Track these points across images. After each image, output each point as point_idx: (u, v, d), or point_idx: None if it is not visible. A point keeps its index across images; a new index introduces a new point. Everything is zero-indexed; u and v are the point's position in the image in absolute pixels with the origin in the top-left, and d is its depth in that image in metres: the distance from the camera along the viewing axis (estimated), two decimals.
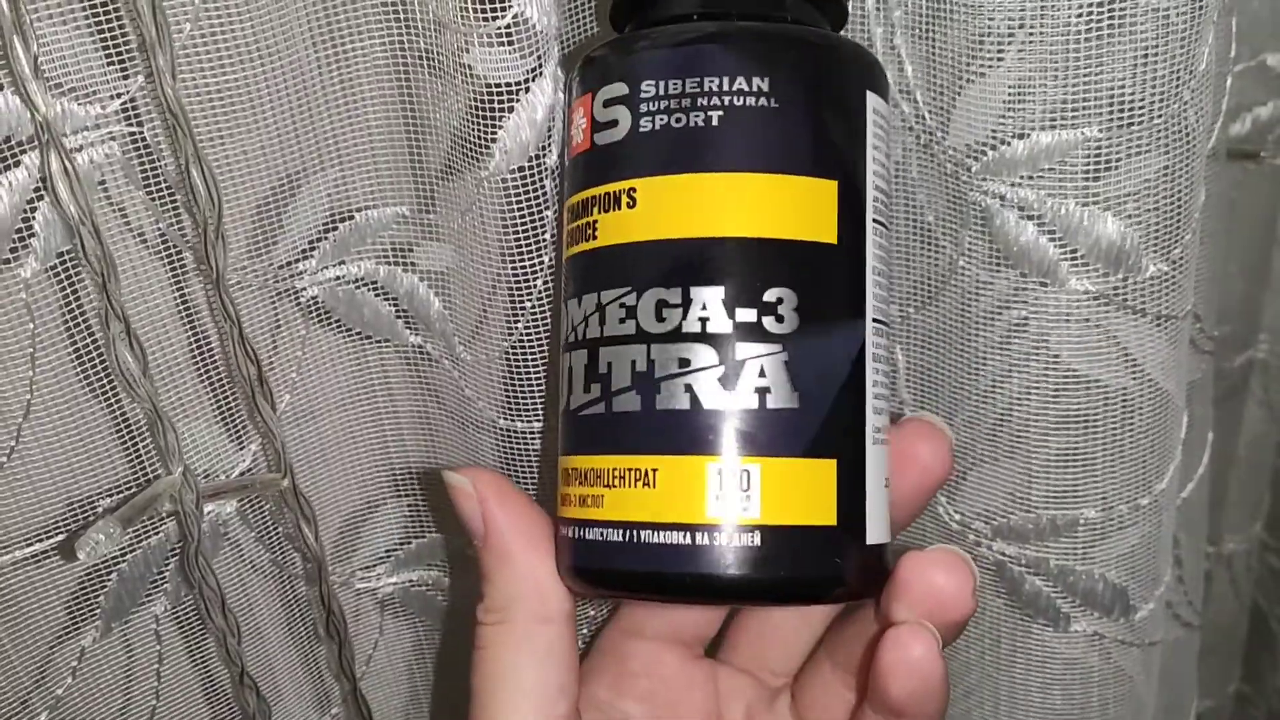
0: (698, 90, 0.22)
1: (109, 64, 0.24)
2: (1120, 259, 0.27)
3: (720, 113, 0.22)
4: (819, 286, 0.23)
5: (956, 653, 0.34)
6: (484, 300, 0.28)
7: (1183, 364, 0.29)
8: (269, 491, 0.29)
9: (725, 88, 0.22)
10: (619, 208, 0.23)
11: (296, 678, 0.33)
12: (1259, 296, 0.45)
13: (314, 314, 0.29)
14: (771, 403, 0.22)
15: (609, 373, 0.23)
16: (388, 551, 0.34)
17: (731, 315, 0.22)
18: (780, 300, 0.22)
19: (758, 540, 0.22)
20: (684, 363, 0.22)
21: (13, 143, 0.24)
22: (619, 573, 0.23)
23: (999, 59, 0.26)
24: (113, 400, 0.27)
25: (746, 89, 0.22)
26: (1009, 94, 0.26)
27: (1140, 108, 0.26)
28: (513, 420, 0.29)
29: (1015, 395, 0.30)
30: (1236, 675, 0.53)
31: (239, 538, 0.31)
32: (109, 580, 0.29)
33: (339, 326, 0.30)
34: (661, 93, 0.23)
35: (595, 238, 0.23)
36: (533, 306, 0.28)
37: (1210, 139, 0.30)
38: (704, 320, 0.22)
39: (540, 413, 0.29)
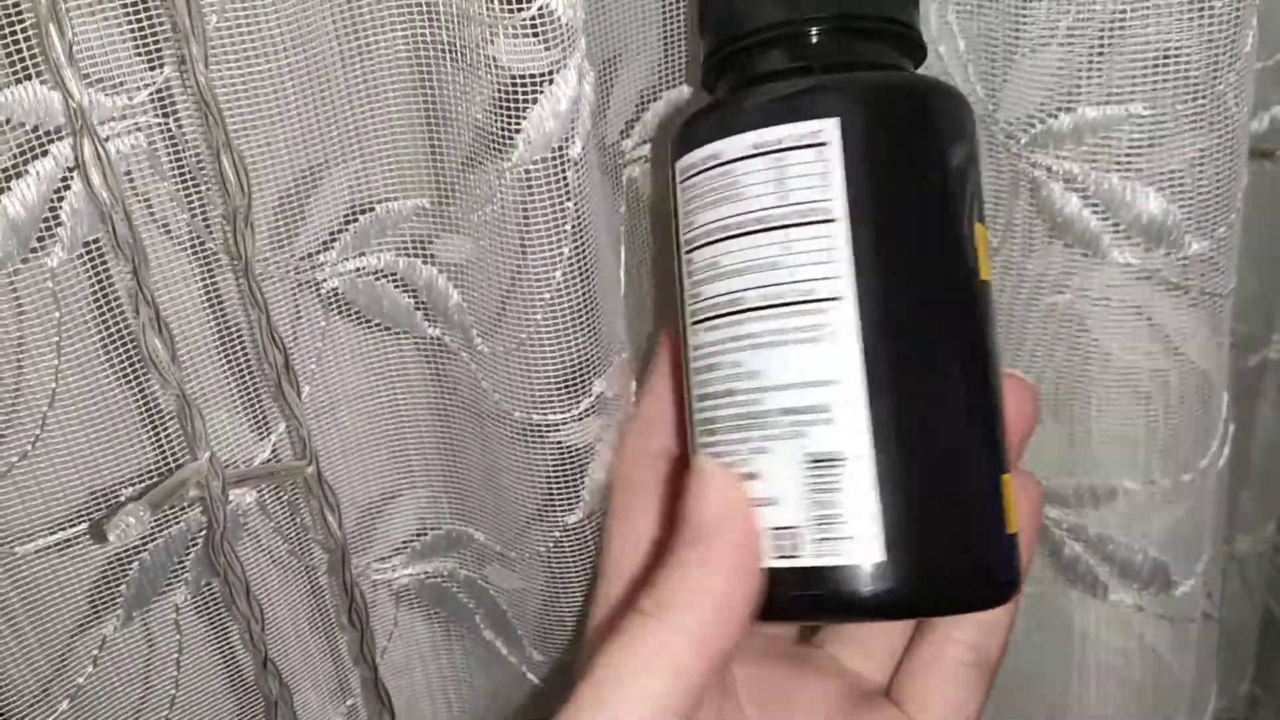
0: None
1: (137, 55, 0.24)
2: (1162, 234, 0.28)
3: None
4: None
5: None
6: (503, 292, 0.28)
7: (1225, 343, 0.30)
8: (294, 478, 0.30)
9: None
10: None
11: (313, 667, 0.34)
12: (1273, 297, 0.45)
13: (334, 305, 0.30)
14: None
15: None
16: (404, 543, 0.34)
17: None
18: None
19: None
20: None
21: (40, 132, 0.24)
22: None
23: (1050, 35, 0.27)
24: (137, 389, 0.27)
25: None
26: (1058, 69, 0.27)
27: (1185, 88, 0.26)
28: (528, 412, 0.30)
29: (1061, 366, 0.30)
30: (1248, 676, 0.53)
31: (258, 528, 0.31)
32: (130, 569, 0.29)
33: (359, 318, 0.30)
34: None
35: None
36: (551, 298, 0.28)
37: (1251, 126, 0.31)
38: None
39: (555, 405, 0.29)
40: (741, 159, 0.25)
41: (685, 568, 0.23)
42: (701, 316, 0.26)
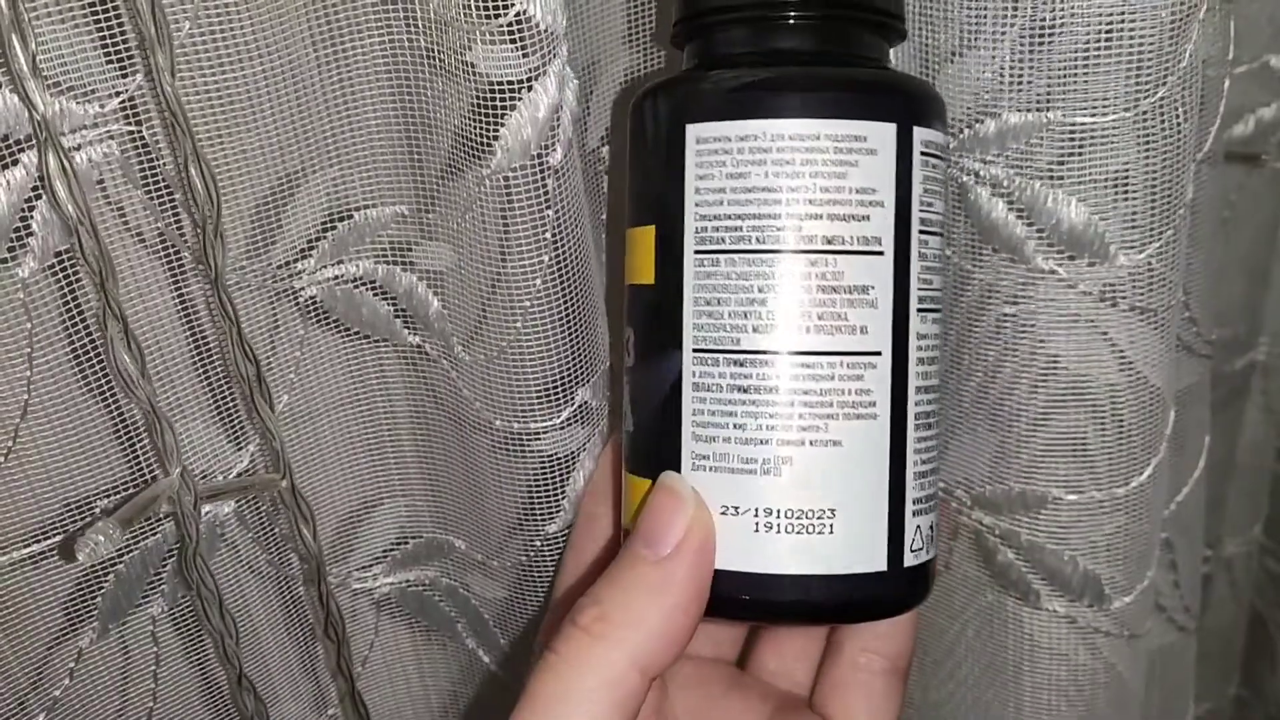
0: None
1: (108, 62, 0.24)
2: (1084, 244, 0.28)
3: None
4: (645, 323, 0.26)
5: (939, 620, 0.35)
6: (483, 299, 0.28)
7: (1169, 359, 0.30)
8: (267, 492, 0.29)
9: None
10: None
11: (293, 679, 0.33)
12: (1260, 299, 0.45)
13: (312, 314, 0.29)
14: (625, 425, 0.27)
15: None
16: (384, 552, 0.34)
17: (626, 352, 0.26)
18: (628, 338, 0.26)
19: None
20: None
21: (10, 141, 0.24)
22: None
23: (974, 40, 0.27)
24: (110, 400, 0.27)
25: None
26: (984, 74, 0.27)
27: (1115, 98, 0.26)
28: (509, 421, 0.29)
29: (994, 370, 0.30)
30: (1235, 679, 0.53)
31: (236, 539, 0.31)
32: (106, 581, 0.29)
33: (337, 326, 0.30)
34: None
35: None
36: (531, 305, 0.28)
37: (1208, 140, 0.30)
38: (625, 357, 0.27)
39: (537, 414, 0.29)
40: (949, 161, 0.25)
41: (639, 589, 0.23)
42: (932, 306, 0.25)
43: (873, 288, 0.24)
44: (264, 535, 0.31)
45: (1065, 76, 0.26)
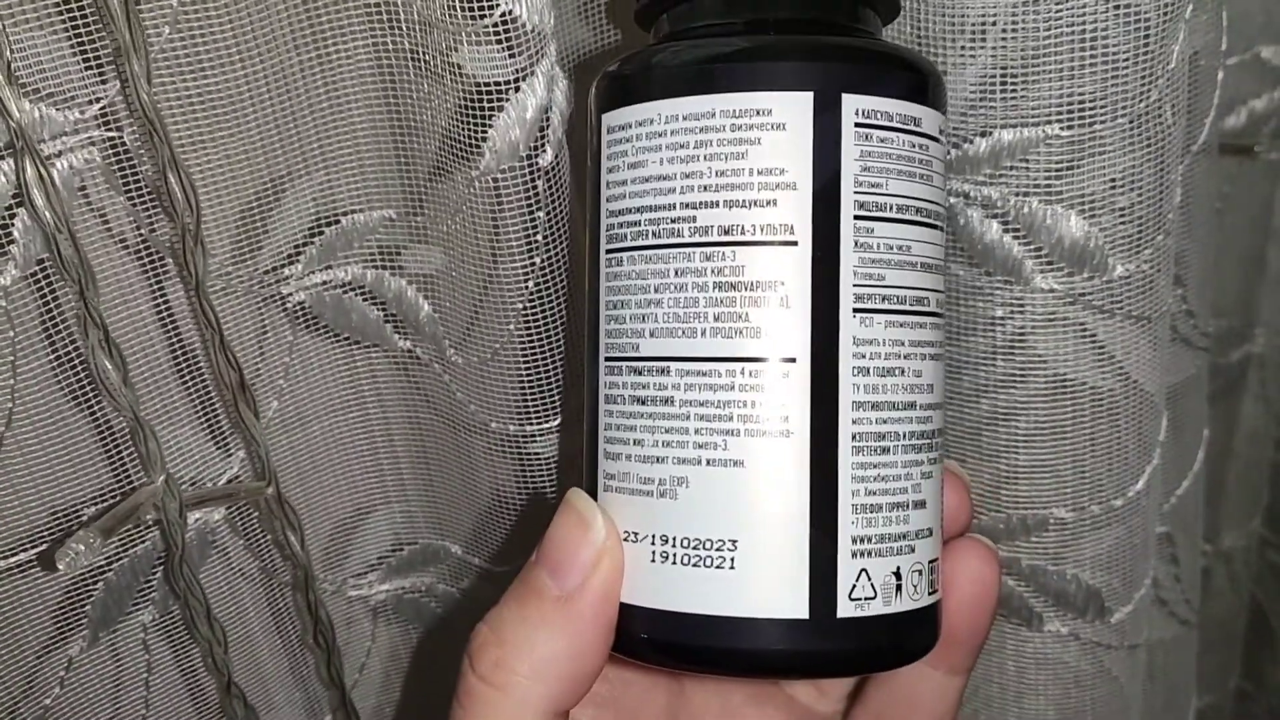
0: None
1: (87, 68, 0.24)
2: (1085, 258, 0.27)
3: None
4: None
5: None
6: (475, 302, 0.28)
7: (1161, 365, 0.29)
8: (253, 499, 0.29)
9: None
10: None
11: (288, 686, 0.33)
12: (1255, 291, 0.44)
13: (301, 319, 0.29)
14: None
15: None
16: (379, 559, 0.33)
17: None
18: None
19: None
20: None
21: None
22: None
23: (970, 57, 0.26)
24: (96, 408, 0.27)
25: None
26: (972, 92, 0.26)
27: (1104, 106, 0.26)
28: (505, 423, 0.29)
29: (990, 392, 0.29)
30: (1237, 671, 0.53)
31: (227, 545, 0.31)
32: (95, 590, 0.28)
33: (326, 332, 0.30)
34: None
35: None
36: (524, 307, 0.27)
37: (1203, 132, 0.30)
38: None
39: (532, 416, 0.29)
40: (934, 139, 0.22)
41: (543, 629, 0.21)
42: (886, 307, 0.21)
43: (782, 283, 0.20)
44: (255, 542, 0.31)
45: (1055, 90, 0.26)
